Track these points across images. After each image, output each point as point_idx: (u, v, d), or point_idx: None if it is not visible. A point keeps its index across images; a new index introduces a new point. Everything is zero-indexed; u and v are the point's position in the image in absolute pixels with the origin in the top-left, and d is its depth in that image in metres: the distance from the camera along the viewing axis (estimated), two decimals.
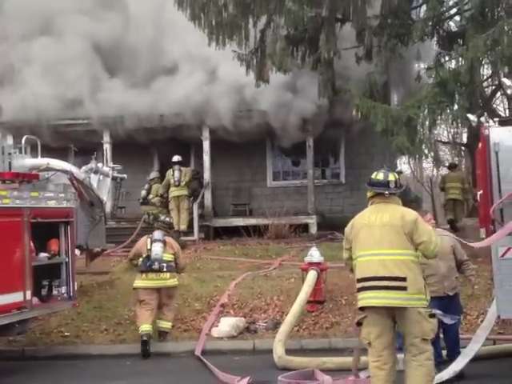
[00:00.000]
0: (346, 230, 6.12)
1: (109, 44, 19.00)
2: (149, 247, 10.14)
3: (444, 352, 7.78)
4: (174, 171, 17.29)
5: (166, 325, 10.17)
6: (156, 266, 9.98)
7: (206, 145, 18.52)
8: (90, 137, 18.87)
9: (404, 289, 5.65)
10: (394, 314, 5.74)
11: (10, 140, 10.33)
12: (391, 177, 6.06)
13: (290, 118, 17.83)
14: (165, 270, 10.04)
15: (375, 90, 13.88)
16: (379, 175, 6.07)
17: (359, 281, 5.86)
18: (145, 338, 9.60)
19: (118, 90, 18.56)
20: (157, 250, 10.08)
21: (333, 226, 17.81)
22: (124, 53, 19.07)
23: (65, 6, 19.01)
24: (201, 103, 17.93)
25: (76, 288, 9.74)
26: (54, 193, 9.67)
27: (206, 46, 15.01)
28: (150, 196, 18.29)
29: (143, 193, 18.42)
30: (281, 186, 20.40)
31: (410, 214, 5.91)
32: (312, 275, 10.12)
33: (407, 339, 5.76)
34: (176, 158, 17.46)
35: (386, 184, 5.99)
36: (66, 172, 10.60)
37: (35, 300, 8.87)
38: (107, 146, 18.48)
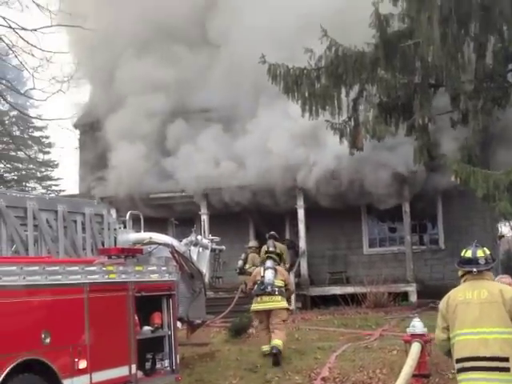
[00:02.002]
0: (441, 307, 5.91)
1: None
2: (262, 274, 11.61)
3: None
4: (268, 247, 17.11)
5: (277, 342, 11.28)
6: (269, 289, 11.40)
7: (301, 213, 18.63)
8: (187, 207, 19.43)
9: (507, 370, 5.39)
10: None
11: (113, 215, 10.75)
12: (480, 253, 5.88)
13: (386, 182, 17.74)
14: (276, 293, 11.44)
15: (473, 155, 13.63)
16: (467, 253, 5.94)
17: (458, 361, 5.62)
18: (273, 350, 11.16)
19: (213, 162, 19.15)
20: (269, 275, 11.50)
21: (434, 294, 17.24)
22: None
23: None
24: (295, 172, 18.16)
25: (178, 361, 9.79)
26: (156, 266, 9.86)
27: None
28: (247, 266, 18.40)
29: (240, 263, 18.55)
30: (377, 252, 20.12)
31: (509, 290, 5.71)
32: (416, 347, 9.75)
33: None
34: (270, 234, 17.58)
35: (475, 261, 5.84)
36: (167, 245, 10.82)
37: (140, 374, 8.94)
38: (205, 217, 18.89)
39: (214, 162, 19.19)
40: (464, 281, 5.89)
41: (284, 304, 11.62)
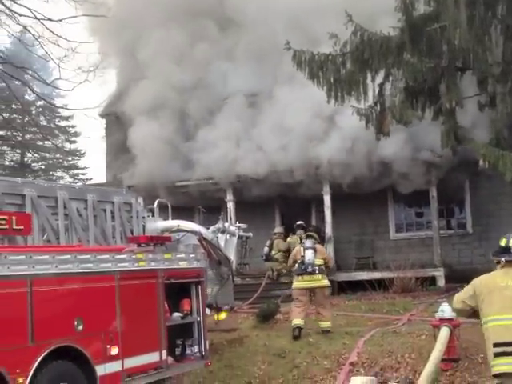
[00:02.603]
0: (477, 285, 5.92)
1: None
2: (302, 254, 12.19)
3: None
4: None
5: (325, 324, 12.15)
6: (310, 269, 12.01)
7: (327, 199, 18.61)
8: (213, 195, 19.51)
9: None
10: None
11: (141, 203, 10.85)
12: None
13: (413, 166, 17.64)
14: (317, 272, 12.04)
15: (501, 138, 13.47)
16: (502, 241, 5.98)
17: (497, 345, 5.64)
18: (296, 327, 11.90)
19: (238, 148, 19.18)
20: (309, 255, 12.10)
21: (462, 279, 17.03)
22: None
23: None
24: (321, 158, 18.13)
25: (208, 347, 9.90)
26: (185, 254, 9.96)
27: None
28: (273, 252, 18.48)
29: (265, 249, 18.64)
30: (404, 238, 20.03)
31: None
32: (445, 332, 9.76)
33: None
34: (297, 224, 17.74)
35: (509, 250, 5.87)
36: (195, 233, 10.92)
37: (170, 360, 9.08)
38: (231, 204, 18.97)
39: (239, 148, 19.19)
40: (501, 267, 5.91)
41: (325, 282, 12.28)
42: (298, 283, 12.33)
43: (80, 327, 7.41)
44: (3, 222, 7.13)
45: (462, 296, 6.04)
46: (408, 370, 10.01)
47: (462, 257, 19.29)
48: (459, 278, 17.38)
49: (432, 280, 17.49)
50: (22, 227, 7.42)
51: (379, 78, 14.87)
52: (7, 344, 6.45)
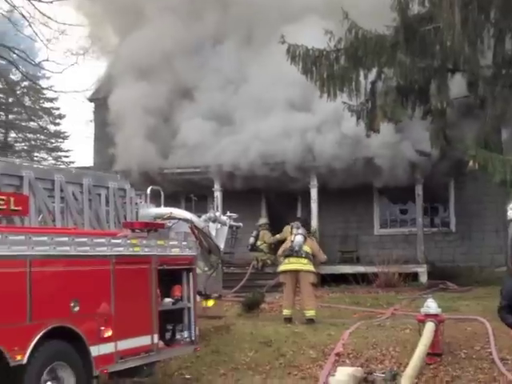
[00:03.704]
0: None
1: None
2: (292, 239, 12.59)
3: None
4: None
5: (310, 313, 12.42)
6: (296, 249, 12.41)
7: (314, 192, 18.80)
8: (199, 182, 19.60)
9: None
10: None
11: (132, 189, 10.91)
12: None
13: (398, 164, 17.87)
14: (303, 255, 12.42)
15: (490, 140, 13.72)
16: None
17: None
18: (285, 318, 12.49)
19: (227, 139, 19.26)
20: (298, 238, 12.51)
21: (443, 276, 17.53)
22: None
23: None
24: (309, 151, 18.30)
25: (197, 333, 10.03)
26: (177, 241, 10.07)
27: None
28: (258, 242, 18.65)
29: (251, 239, 18.80)
30: (388, 233, 20.31)
31: None
32: (430, 327, 10.00)
33: None
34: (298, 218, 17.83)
35: None
36: (187, 221, 11.00)
37: (161, 344, 9.19)
38: (218, 194, 19.08)
39: (224, 137, 19.26)
40: None
41: (310, 267, 12.54)
42: (283, 266, 12.72)
43: (76, 308, 7.51)
44: (2, 202, 7.16)
45: None
46: (393, 363, 10.20)
47: (444, 254, 19.60)
48: (441, 274, 17.77)
49: (414, 276, 17.77)
50: (19, 208, 7.46)
51: (371, 76, 15.08)
52: (6, 322, 6.54)
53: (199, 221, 11.58)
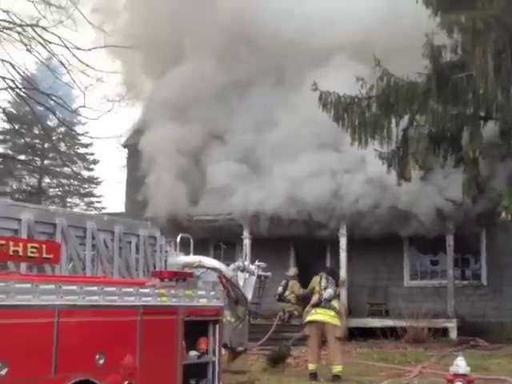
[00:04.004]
0: None
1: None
2: (321, 292, 12.35)
3: None
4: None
5: (337, 368, 12.00)
6: (327, 297, 12.17)
7: (343, 241, 18.51)
8: (229, 229, 19.44)
9: None
10: None
11: (163, 237, 10.78)
12: None
13: (428, 212, 17.57)
14: (331, 308, 12.12)
15: None
16: None
17: None
18: (310, 373, 12.12)
19: (255, 183, 19.18)
20: (330, 291, 12.30)
21: (474, 331, 17.02)
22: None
23: None
24: (335, 195, 18.11)
25: None
26: (205, 291, 9.85)
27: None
28: (287, 292, 18.32)
29: (280, 289, 18.48)
30: (418, 285, 19.87)
31: None
32: None
33: None
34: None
35: None
36: (215, 270, 10.82)
37: None
38: (247, 241, 18.87)
39: (258, 186, 19.19)
40: None
41: (338, 321, 12.18)
42: (310, 316, 12.35)
43: (101, 361, 7.26)
44: (34, 250, 7.08)
45: None
46: None
47: (474, 308, 19.06)
48: (471, 330, 17.24)
49: (444, 331, 17.27)
50: (51, 256, 7.35)
51: (403, 123, 14.95)
52: (31, 375, 6.34)
53: (228, 270, 11.39)
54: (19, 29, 16.14)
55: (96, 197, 46.01)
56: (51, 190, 44.49)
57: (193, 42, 20.40)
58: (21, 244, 7.07)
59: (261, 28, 19.33)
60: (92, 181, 44.89)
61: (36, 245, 7.12)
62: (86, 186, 45.49)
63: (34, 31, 16.10)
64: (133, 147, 23.29)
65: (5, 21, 16.11)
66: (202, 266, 10.76)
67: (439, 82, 14.12)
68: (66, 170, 38.98)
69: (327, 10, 18.51)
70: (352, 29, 17.97)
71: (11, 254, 7.01)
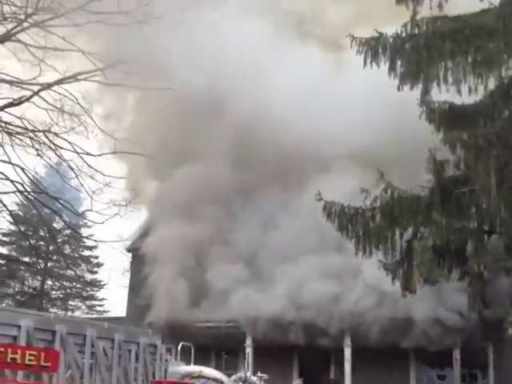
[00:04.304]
0: None
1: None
2: None
3: None
4: None
5: None
6: None
7: (348, 352, 18.16)
8: (231, 337, 19.13)
9: None
10: None
11: (163, 346, 10.64)
12: None
13: (436, 327, 17.32)
14: None
15: None
16: None
17: None
18: None
19: (256, 289, 19.10)
20: None
21: None
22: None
23: None
24: (342, 309, 17.94)
25: None
26: None
27: None
28: None
29: None
30: None
31: None
32: None
33: None
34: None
35: None
36: (216, 381, 10.67)
37: None
38: (249, 350, 18.52)
39: (258, 288, 19.10)
40: None
41: None
42: None
43: None
44: (32, 358, 7.00)
45: None
46: None
47: None
48: None
49: None
50: (49, 364, 7.26)
51: (407, 235, 14.98)
52: None
53: (229, 381, 11.21)
54: (31, 134, 16.55)
55: (98, 300, 45.51)
56: (53, 292, 44.07)
57: (200, 145, 20.96)
58: (19, 351, 7.01)
59: (265, 135, 19.88)
60: (95, 284, 44.54)
61: (34, 352, 7.06)
62: (88, 289, 45.09)
63: (46, 137, 16.49)
64: (137, 251, 23.39)
65: (18, 126, 16.56)
66: (203, 377, 10.62)
67: (442, 196, 14.25)
68: (69, 272, 38.81)
69: (330, 123, 19.02)
70: (356, 142, 18.44)
71: (9, 361, 6.94)
